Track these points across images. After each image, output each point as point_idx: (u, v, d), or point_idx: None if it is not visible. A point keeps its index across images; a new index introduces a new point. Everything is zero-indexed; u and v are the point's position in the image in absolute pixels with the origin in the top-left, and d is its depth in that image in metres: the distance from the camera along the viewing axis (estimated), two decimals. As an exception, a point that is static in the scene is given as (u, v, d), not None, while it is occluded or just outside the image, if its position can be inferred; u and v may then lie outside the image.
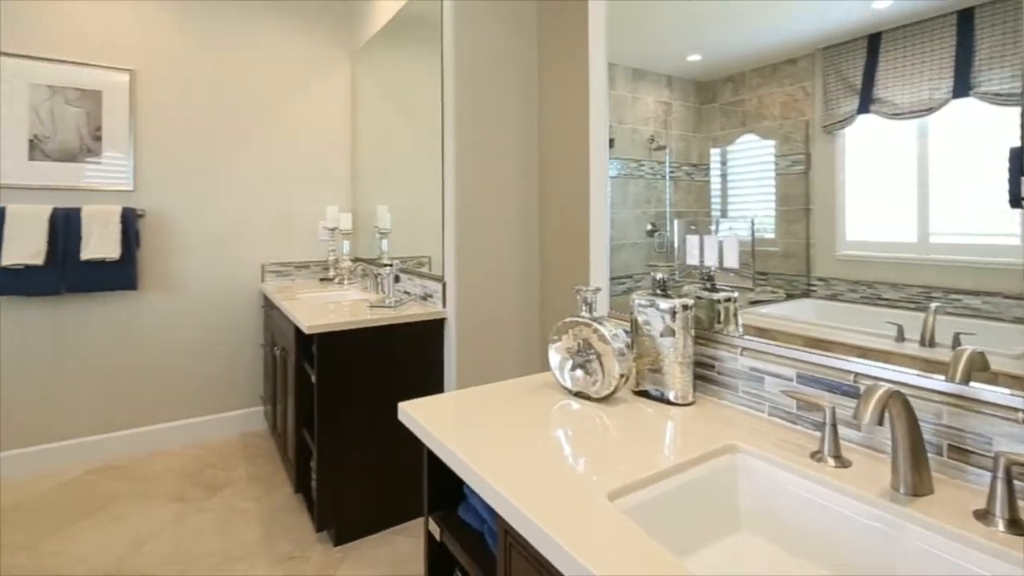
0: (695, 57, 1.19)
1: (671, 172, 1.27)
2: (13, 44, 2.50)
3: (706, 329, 1.11)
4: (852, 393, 0.84)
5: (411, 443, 2.06)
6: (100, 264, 2.57)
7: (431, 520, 1.04)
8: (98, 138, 2.69)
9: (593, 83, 1.42)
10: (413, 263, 2.47)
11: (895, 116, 0.83)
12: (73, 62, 2.62)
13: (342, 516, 1.92)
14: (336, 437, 1.91)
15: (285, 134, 3.15)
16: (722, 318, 1.09)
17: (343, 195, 3.34)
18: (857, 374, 0.83)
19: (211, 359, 2.93)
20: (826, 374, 0.88)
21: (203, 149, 2.93)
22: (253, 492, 2.29)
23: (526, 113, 2.27)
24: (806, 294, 0.96)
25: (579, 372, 1.10)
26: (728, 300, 1.09)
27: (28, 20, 2.54)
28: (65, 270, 2.51)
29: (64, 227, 2.51)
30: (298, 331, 2.06)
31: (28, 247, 2.42)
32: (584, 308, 1.13)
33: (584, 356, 1.10)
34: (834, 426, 0.78)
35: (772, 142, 1.02)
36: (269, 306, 2.73)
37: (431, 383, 2.13)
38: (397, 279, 2.52)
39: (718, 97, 1.14)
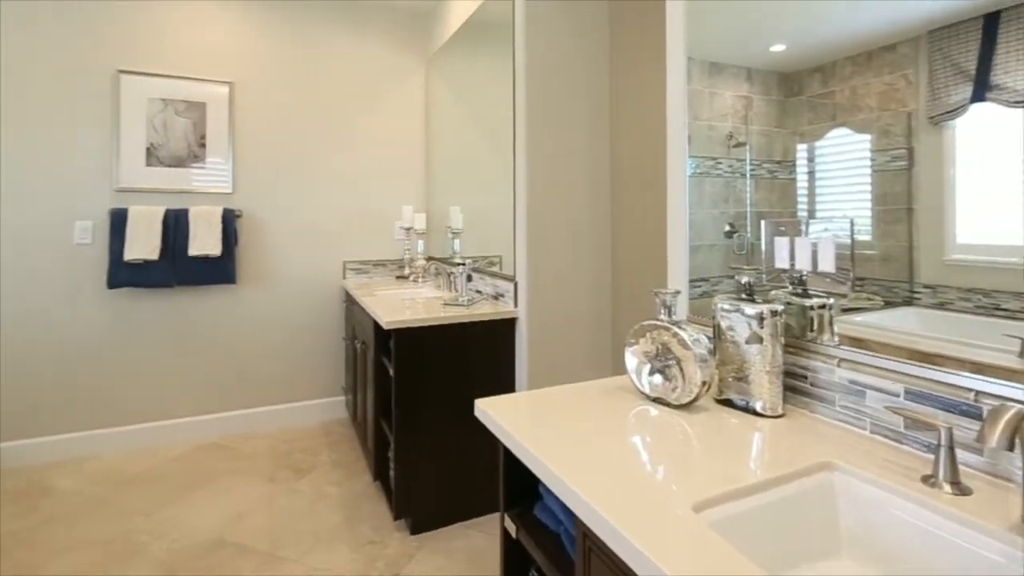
0: (779, 47, 1.13)
1: (752, 170, 1.21)
2: (133, 63, 2.80)
3: (797, 337, 1.05)
4: (972, 413, 0.77)
5: (483, 440, 2.10)
6: (204, 260, 2.83)
7: (507, 517, 1.06)
8: (203, 145, 2.95)
9: (671, 81, 1.38)
10: (484, 263, 2.52)
11: (1018, 104, 0.74)
12: (182, 77, 2.89)
13: (418, 506, 1.99)
14: (412, 429, 1.99)
15: (365, 138, 3.31)
16: (815, 326, 1.03)
17: (418, 196, 3.46)
18: (978, 392, 0.76)
19: (298, 350, 3.14)
20: (940, 391, 0.80)
21: (291, 153, 3.14)
22: (336, 477, 2.43)
23: (598, 112, 2.24)
24: (908, 302, 0.88)
25: (657, 377, 1.08)
26: (823, 307, 1.02)
27: (144, 41, 2.83)
28: (175, 265, 2.77)
29: (175, 226, 2.78)
30: (377, 326, 2.16)
31: (146, 244, 2.70)
32: (663, 311, 1.10)
33: (663, 361, 1.07)
34: (951, 448, 0.72)
35: (868, 136, 0.95)
36: (350, 301, 2.88)
37: (503, 381, 2.16)
38: (469, 278, 2.57)
39: (805, 89, 1.07)
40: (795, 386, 1.04)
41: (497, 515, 2.10)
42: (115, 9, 2.76)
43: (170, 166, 2.88)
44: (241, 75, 3.02)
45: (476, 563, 1.82)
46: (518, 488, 1.07)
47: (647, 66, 2.02)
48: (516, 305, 2.15)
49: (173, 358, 2.87)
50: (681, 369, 1.03)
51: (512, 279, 2.18)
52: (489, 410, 1.03)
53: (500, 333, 2.15)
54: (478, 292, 2.53)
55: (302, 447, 2.78)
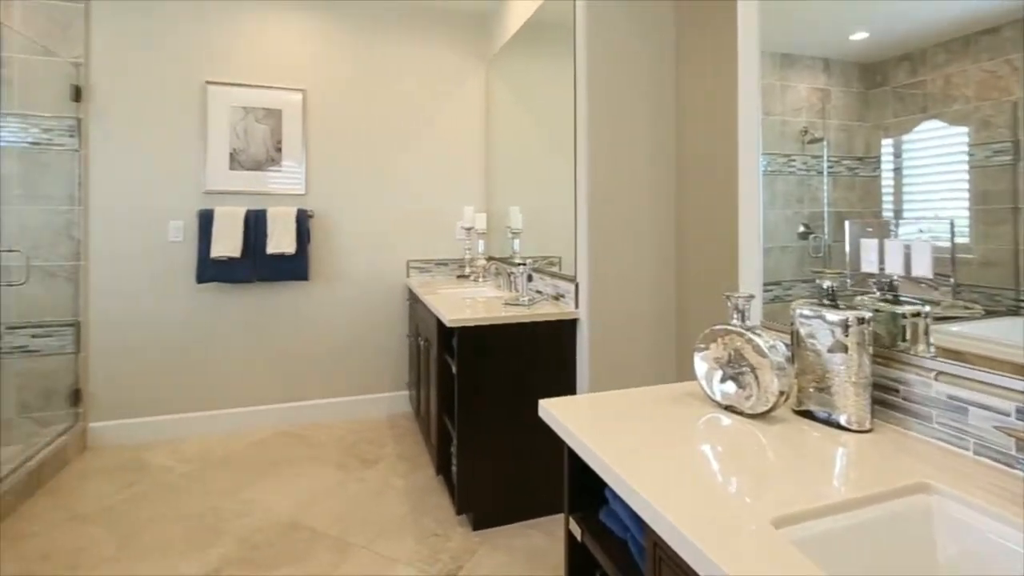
0: (860, 35, 1.05)
1: (829, 167, 1.14)
2: (218, 74, 3.01)
3: (887, 347, 0.98)
4: (1100, 439, 0.69)
5: (544, 440, 2.11)
6: (280, 257, 3.00)
7: (572, 520, 1.06)
8: (279, 149, 3.13)
9: (743, 77, 1.32)
10: (544, 263, 2.52)
11: None
12: (260, 86, 3.08)
13: (480, 503, 2.03)
14: (475, 427, 2.03)
15: (427, 140, 3.40)
16: (908, 335, 0.96)
17: (478, 196, 3.51)
18: (1108, 416, 0.68)
19: (364, 345, 3.27)
20: (1060, 412, 0.73)
21: (358, 155, 3.28)
22: (401, 469, 2.52)
23: (662, 112, 2.18)
24: (1014, 311, 0.80)
25: (730, 385, 1.04)
26: (917, 315, 0.95)
27: (229, 53, 3.04)
28: (255, 262, 2.96)
29: (254, 226, 2.97)
30: (440, 324, 2.22)
31: (230, 242, 2.90)
32: (735, 316, 1.06)
33: (736, 368, 1.03)
34: (1073, 477, 0.65)
35: (964, 129, 0.87)
36: (413, 299, 2.97)
37: (563, 382, 2.16)
38: (530, 278, 2.58)
39: (890, 79, 0.99)
40: (885, 400, 0.97)
41: (557, 516, 2.10)
42: (204, 25, 2.99)
43: (250, 169, 3.07)
44: (313, 82, 3.18)
45: (537, 563, 1.83)
46: (582, 491, 1.07)
47: (715, 62, 1.95)
48: (577, 306, 2.14)
49: (253, 349, 3.07)
50: (756, 377, 0.99)
51: (573, 279, 2.17)
52: (553, 411, 1.03)
53: (561, 334, 2.15)
54: (538, 292, 2.53)
55: (369, 438, 2.90)
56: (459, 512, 2.02)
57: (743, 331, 1.03)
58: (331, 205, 3.22)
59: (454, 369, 2.06)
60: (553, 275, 2.38)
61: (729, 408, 1.04)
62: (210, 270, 2.90)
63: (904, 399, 0.93)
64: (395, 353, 3.33)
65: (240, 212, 2.94)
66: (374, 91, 3.30)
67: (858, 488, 0.73)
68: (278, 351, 3.12)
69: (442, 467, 2.31)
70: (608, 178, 2.11)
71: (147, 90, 2.90)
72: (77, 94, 2.78)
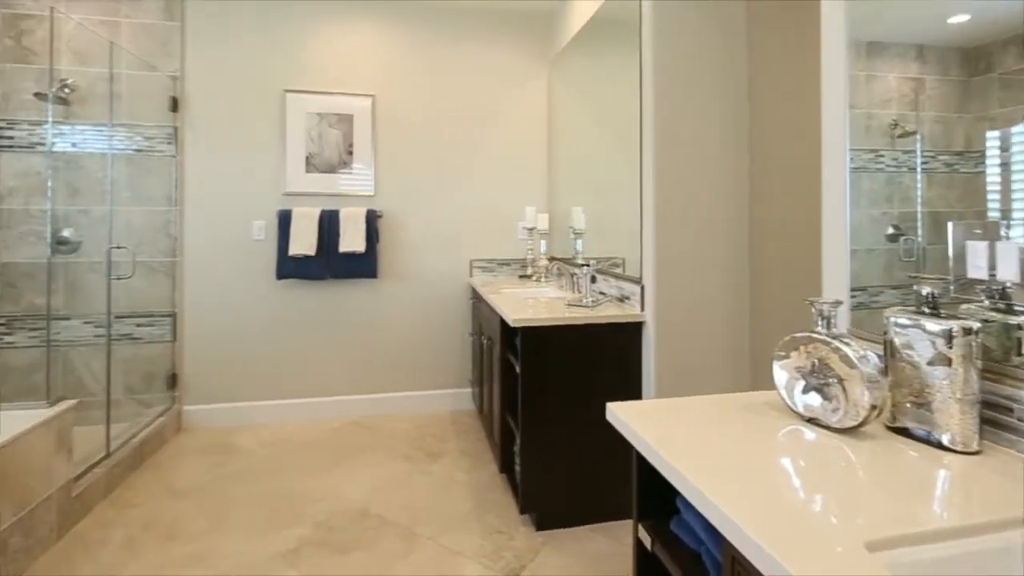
0: (960, 18, 0.96)
1: (923, 163, 1.05)
2: (295, 83, 3.19)
3: (998, 361, 0.89)
4: None
5: (609, 444, 2.08)
6: (351, 256, 3.14)
7: (641, 528, 1.04)
8: (350, 153, 3.27)
9: (827, 70, 1.24)
10: (607, 264, 2.49)
11: None
12: (333, 92, 3.23)
13: (543, 503, 2.04)
14: (538, 427, 2.04)
15: (490, 141, 3.44)
16: (1023, 349, 0.87)
17: (540, 196, 3.52)
18: None
19: (429, 342, 3.37)
20: None
21: (424, 156, 3.37)
22: (464, 465, 2.58)
23: (733, 110, 2.09)
24: None
25: (813, 396, 0.98)
26: (1035, 327, 0.86)
27: (304, 63, 3.21)
28: (329, 260, 3.12)
29: (328, 225, 3.12)
30: (503, 323, 2.24)
31: (306, 241, 3.07)
32: (820, 323, 1.01)
33: (820, 378, 0.98)
34: None
35: None
36: (477, 298, 3.02)
37: (628, 385, 2.12)
38: (593, 279, 2.56)
39: (995, 66, 0.90)
40: (996, 420, 0.88)
41: (623, 522, 2.07)
42: (284, 38, 3.18)
43: (324, 172, 3.24)
44: (381, 87, 3.30)
45: (600, 567, 1.82)
46: (650, 497, 1.05)
47: (790, 58, 1.84)
48: (643, 309, 2.10)
49: (328, 343, 3.24)
50: (844, 389, 0.93)
51: (638, 281, 2.12)
52: (622, 415, 1.02)
53: (626, 336, 2.12)
54: (602, 294, 2.50)
55: (433, 433, 2.98)
56: (522, 511, 2.04)
57: (829, 339, 0.97)
58: (398, 206, 3.33)
59: (517, 368, 2.07)
60: (617, 276, 2.35)
61: (812, 421, 0.98)
62: (288, 267, 3.08)
63: (1020, 420, 0.85)
64: (458, 351, 3.40)
65: (315, 212, 3.11)
66: (439, 94, 3.38)
67: (965, 515, 0.67)
68: (349, 345, 3.27)
69: (505, 465, 2.33)
70: (676, 178, 2.05)
71: (233, 99, 3.12)
72: (174, 105, 3.03)
